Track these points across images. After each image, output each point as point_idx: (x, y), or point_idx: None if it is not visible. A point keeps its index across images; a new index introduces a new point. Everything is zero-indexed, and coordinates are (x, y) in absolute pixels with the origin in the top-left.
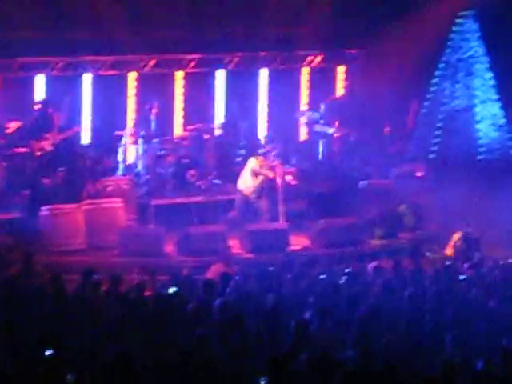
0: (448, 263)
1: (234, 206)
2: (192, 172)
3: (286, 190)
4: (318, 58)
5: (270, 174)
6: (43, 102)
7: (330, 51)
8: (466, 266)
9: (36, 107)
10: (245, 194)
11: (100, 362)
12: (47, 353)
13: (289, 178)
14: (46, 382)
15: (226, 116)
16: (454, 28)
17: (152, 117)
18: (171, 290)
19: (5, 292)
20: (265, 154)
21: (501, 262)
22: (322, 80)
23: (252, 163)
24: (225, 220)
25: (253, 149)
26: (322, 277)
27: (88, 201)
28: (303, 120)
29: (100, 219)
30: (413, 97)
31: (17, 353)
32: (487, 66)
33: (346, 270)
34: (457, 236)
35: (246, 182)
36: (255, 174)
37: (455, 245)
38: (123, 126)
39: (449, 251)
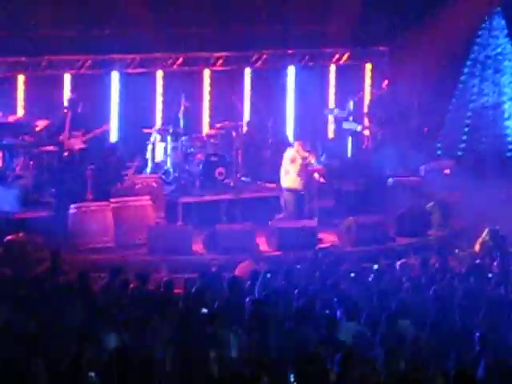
0: (477, 261)
1: (282, 208)
2: (220, 170)
3: (315, 187)
4: (345, 56)
5: (309, 156)
6: (71, 100)
7: (357, 48)
8: (494, 263)
9: (65, 105)
10: (292, 188)
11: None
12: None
13: (317, 175)
14: (71, 381)
15: (254, 114)
16: (482, 25)
17: (180, 114)
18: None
19: (33, 290)
20: (300, 142)
21: None
22: (350, 77)
23: (288, 152)
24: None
25: (280, 146)
26: (351, 275)
27: (116, 199)
28: (331, 117)
29: (128, 217)
30: (441, 94)
31: (46, 351)
32: None
33: (374, 268)
34: (485, 233)
35: (289, 174)
36: (293, 160)
37: (483, 242)
38: (151, 124)
39: (477, 248)
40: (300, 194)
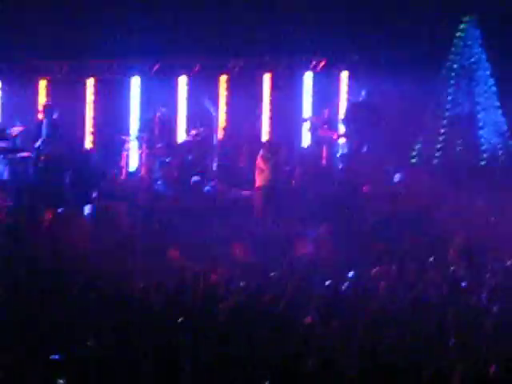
0: (451, 268)
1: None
2: (196, 177)
3: (290, 194)
4: (322, 63)
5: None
6: (47, 106)
7: (333, 56)
8: (467, 270)
9: (40, 111)
10: (262, 186)
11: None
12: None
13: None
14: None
15: (229, 120)
16: (456, 34)
17: (155, 121)
18: None
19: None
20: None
21: (504, 266)
22: (326, 85)
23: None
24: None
25: (256, 153)
26: (326, 283)
27: (92, 204)
28: (307, 125)
29: (105, 223)
30: (416, 103)
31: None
32: (489, 72)
33: (350, 275)
34: (459, 240)
35: (264, 173)
36: (266, 159)
37: (457, 249)
38: (126, 131)
39: (451, 256)
40: (269, 191)
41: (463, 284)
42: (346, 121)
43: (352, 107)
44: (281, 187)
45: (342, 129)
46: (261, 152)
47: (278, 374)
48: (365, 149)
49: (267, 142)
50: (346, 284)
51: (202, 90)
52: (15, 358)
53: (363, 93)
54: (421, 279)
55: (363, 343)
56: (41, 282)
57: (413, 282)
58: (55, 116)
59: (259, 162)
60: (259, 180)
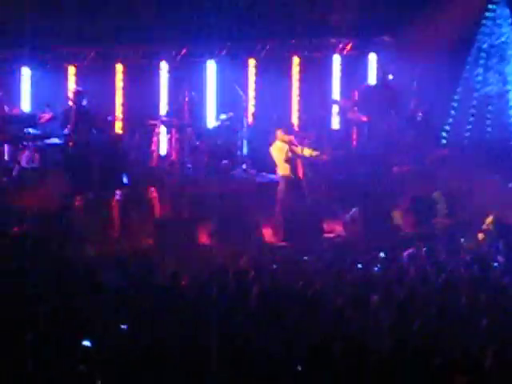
0: (481, 249)
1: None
2: (226, 161)
3: (320, 177)
4: (349, 46)
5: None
6: (76, 93)
7: (360, 39)
8: (499, 251)
9: (69, 98)
10: (282, 176)
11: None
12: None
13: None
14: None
15: (258, 105)
16: (485, 14)
17: (185, 106)
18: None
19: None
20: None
21: None
22: (354, 67)
23: (274, 144)
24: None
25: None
26: (358, 266)
27: (123, 190)
28: (336, 108)
29: (134, 209)
30: (445, 84)
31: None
32: None
33: (381, 256)
34: (489, 221)
35: (280, 164)
36: (279, 149)
37: (487, 230)
38: (156, 115)
39: (480, 237)
40: (290, 180)
41: (495, 264)
42: (365, 104)
43: (367, 90)
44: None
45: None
46: (289, 139)
47: (309, 358)
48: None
49: (279, 130)
50: (377, 266)
51: (230, 74)
52: None
53: (390, 77)
54: (452, 260)
55: (394, 326)
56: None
57: (443, 264)
58: (84, 102)
59: (273, 154)
60: (278, 171)
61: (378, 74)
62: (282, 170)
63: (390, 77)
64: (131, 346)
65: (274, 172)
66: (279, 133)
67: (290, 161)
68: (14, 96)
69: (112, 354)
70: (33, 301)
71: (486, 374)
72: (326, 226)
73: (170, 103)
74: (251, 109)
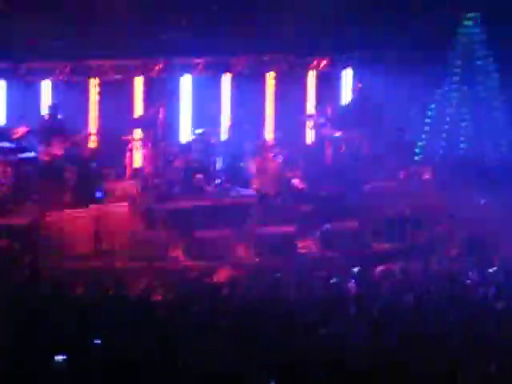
0: (454, 264)
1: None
2: (200, 176)
3: (293, 193)
4: (324, 62)
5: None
6: (51, 107)
7: (335, 55)
8: (472, 267)
9: (44, 112)
10: (256, 190)
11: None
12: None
13: (296, 181)
14: None
15: (233, 120)
16: (460, 30)
17: (159, 121)
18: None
19: (14, 298)
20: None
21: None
22: (328, 83)
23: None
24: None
25: (259, 152)
26: (332, 281)
27: (96, 205)
28: (310, 123)
29: (108, 224)
30: (419, 100)
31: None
32: (492, 69)
33: (354, 271)
34: (461, 237)
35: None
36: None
37: (460, 246)
38: (130, 131)
39: (454, 252)
40: (262, 195)
41: (468, 281)
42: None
43: (350, 104)
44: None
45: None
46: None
47: (284, 375)
48: (365, 147)
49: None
50: (350, 282)
51: (206, 89)
52: None
53: (358, 87)
54: (424, 277)
55: (368, 342)
56: None
57: (416, 281)
58: (59, 116)
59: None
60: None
61: (353, 90)
62: (257, 184)
63: (359, 85)
64: (104, 361)
65: (248, 187)
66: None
67: (263, 176)
68: None
69: (85, 368)
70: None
71: None
72: (298, 242)
73: (144, 118)
74: (226, 124)
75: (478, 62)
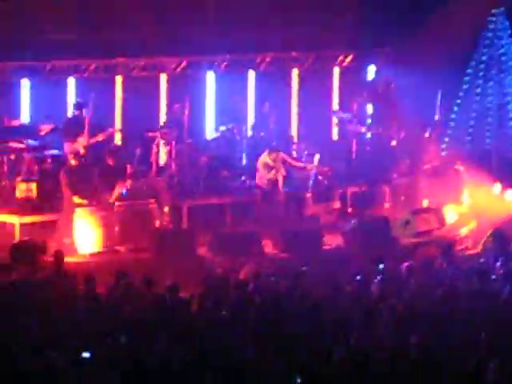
0: (480, 261)
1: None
2: (225, 172)
3: (320, 189)
4: (349, 58)
5: (283, 171)
6: (76, 104)
7: (360, 51)
8: (497, 264)
9: (69, 110)
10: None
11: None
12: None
13: (321, 177)
14: None
15: (258, 116)
16: (485, 25)
17: (184, 117)
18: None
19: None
20: (278, 151)
21: None
22: (354, 79)
23: (263, 158)
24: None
25: (285, 149)
26: (357, 278)
27: (121, 202)
28: (335, 119)
29: (133, 220)
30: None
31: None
32: None
33: (380, 267)
34: (488, 234)
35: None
36: (267, 167)
37: (486, 242)
38: (156, 127)
39: (479, 249)
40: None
41: (493, 277)
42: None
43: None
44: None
45: (369, 122)
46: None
47: (307, 372)
48: (393, 142)
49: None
50: (376, 279)
51: (230, 86)
52: None
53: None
54: (450, 273)
55: (393, 339)
56: None
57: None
58: (85, 114)
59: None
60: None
61: (378, 85)
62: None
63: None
64: (128, 358)
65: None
66: (272, 156)
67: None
68: (14, 108)
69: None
70: None
71: None
72: (325, 238)
73: (170, 115)
74: (251, 120)
75: (504, 57)
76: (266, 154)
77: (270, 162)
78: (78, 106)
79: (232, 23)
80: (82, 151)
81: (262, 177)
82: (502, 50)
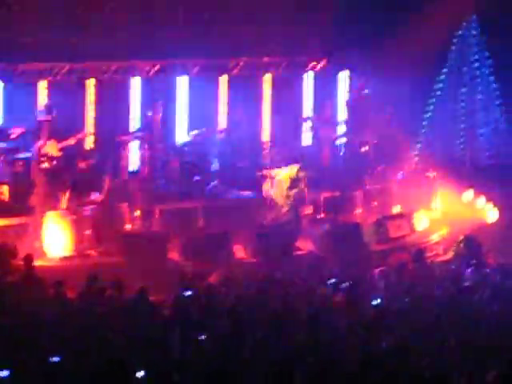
0: (451, 267)
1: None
2: (197, 177)
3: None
4: (322, 63)
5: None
6: (47, 107)
7: (333, 55)
8: (468, 270)
9: (40, 113)
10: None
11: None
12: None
13: None
14: None
15: (230, 121)
16: (457, 32)
17: (156, 121)
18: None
19: (6, 299)
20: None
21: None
22: (326, 84)
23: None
24: None
25: (256, 154)
26: (330, 281)
27: (93, 205)
28: (308, 125)
29: (105, 224)
30: (417, 100)
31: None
32: (490, 70)
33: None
34: (459, 239)
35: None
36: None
37: (457, 248)
38: (128, 131)
39: (450, 255)
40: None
41: (466, 283)
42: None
43: (350, 106)
44: None
45: (342, 128)
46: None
47: (278, 375)
48: (365, 148)
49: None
50: (346, 283)
51: (203, 90)
52: None
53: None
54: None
55: (365, 343)
56: None
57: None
58: (55, 117)
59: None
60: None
61: (351, 90)
62: None
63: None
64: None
65: (248, 188)
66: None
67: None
68: None
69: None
70: None
71: None
72: (297, 243)
73: (142, 119)
74: (222, 125)
75: (476, 64)
76: (293, 167)
77: (297, 178)
78: (49, 109)
79: (205, 27)
80: (53, 154)
81: (276, 188)
82: (474, 57)
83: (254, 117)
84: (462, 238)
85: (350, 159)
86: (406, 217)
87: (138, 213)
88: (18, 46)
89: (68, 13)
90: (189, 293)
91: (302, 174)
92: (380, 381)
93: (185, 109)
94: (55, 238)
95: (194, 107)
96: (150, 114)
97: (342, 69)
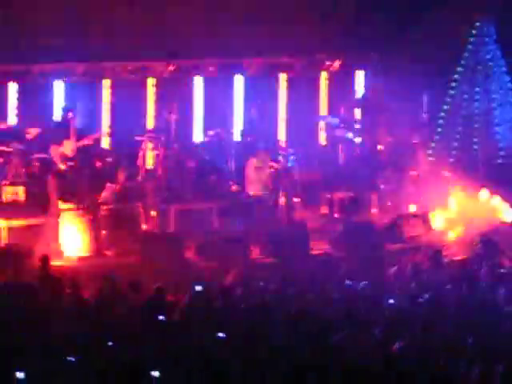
0: (467, 267)
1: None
2: (212, 177)
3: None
4: (337, 63)
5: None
6: (64, 108)
7: (348, 55)
8: (484, 269)
9: (56, 113)
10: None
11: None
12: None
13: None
14: None
15: (246, 121)
16: (471, 31)
17: (172, 122)
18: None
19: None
20: (266, 152)
21: None
22: (342, 84)
23: (252, 163)
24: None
25: (273, 153)
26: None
27: (109, 206)
28: (323, 125)
29: (120, 224)
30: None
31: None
32: (505, 69)
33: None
34: (476, 239)
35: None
36: (257, 170)
37: (474, 248)
38: (143, 131)
39: (467, 254)
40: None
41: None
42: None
43: (365, 106)
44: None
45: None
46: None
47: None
48: (380, 147)
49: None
50: (363, 283)
51: (218, 90)
52: None
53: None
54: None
55: (381, 343)
56: None
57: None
58: (72, 117)
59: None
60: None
61: (366, 90)
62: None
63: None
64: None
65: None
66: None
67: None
68: (1, 111)
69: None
70: None
71: None
72: (312, 244)
73: (158, 119)
74: (238, 125)
75: (490, 63)
76: (253, 158)
77: (259, 163)
78: (65, 110)
79: (221, 27)
80: (69, 155)
81: (254, 182)
82: (488, 56)
83: (269, 117)
84: (479, 237)
85: (365, 159)
86: (421, 217)
87: (153, 213)
88: (34, 46)
89: (83, 14)
90: (199, 287)
91: (261, 158)
92: (396, 381)
93: (200, 109)
94: (71, 239)
95: (209, 107)
96: (166, 114)
97: (356, 69)
